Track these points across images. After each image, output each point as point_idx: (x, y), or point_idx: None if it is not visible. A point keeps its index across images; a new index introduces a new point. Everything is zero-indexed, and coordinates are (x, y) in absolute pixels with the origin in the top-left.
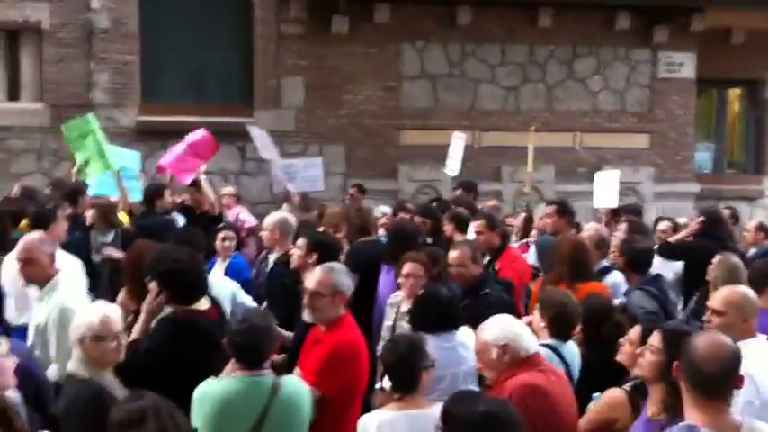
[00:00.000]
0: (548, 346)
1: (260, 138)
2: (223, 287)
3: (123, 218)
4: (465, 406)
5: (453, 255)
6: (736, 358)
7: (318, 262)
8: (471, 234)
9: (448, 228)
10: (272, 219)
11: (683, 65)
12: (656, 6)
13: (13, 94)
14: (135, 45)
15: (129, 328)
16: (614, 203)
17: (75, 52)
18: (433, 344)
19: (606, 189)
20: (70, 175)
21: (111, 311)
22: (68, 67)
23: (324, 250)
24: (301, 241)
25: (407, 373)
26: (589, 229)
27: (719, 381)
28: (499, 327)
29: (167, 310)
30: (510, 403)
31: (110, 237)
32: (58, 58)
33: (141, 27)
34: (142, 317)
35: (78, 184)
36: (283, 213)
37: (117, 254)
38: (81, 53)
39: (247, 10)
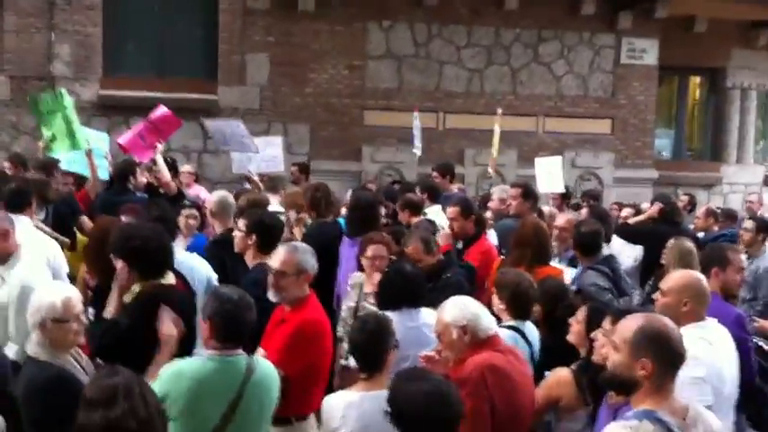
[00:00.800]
0: (511, 327)
1: (217, 130)
2: (202, 271)
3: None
4: (410, 385)
5: (407, 249)
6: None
7: (258, 243)
8: (442, 219)
9: (402, 216)
10: (211, 197)
11: (646, 51)
12: None
13: None
14: (97, 17)
15: (88, 304)
16: (560, 188)
17: (36, 23)
18: (397, 321)
19: (550, 174)
20: (34, 150)
21: (72, 293)
22: (29, 38)
23: (262, 231)
24: (241, 222)
25: (375, 352)
26: (564, 214)
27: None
28: (459, 307)
29: (137, 285)
30: (451, 383)
31: (41, 215)
32: (19, 28)
33: None
34: (114, 294)
35: (51, 161)
36: (222, 192)
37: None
38: (42, 24)
39: None
